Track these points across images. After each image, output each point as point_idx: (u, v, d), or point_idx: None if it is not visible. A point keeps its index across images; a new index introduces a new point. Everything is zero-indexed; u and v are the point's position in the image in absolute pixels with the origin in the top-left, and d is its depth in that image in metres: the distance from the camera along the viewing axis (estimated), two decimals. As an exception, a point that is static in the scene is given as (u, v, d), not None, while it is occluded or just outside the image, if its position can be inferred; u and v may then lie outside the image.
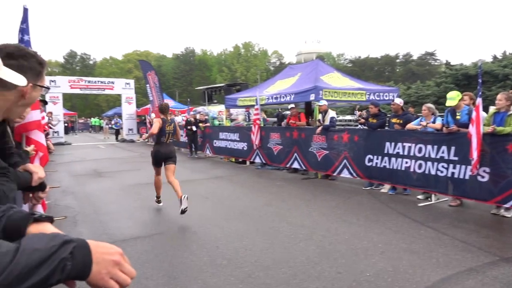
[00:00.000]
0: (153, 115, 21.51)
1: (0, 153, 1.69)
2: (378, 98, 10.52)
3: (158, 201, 6.73)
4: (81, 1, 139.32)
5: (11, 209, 0.91)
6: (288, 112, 11.28)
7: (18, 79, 1.19)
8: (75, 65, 76.22)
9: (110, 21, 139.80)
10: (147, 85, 22.65)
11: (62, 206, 6.66)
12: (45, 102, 8.48)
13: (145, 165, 12.01)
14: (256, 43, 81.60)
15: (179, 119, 18.51)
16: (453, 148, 6.29)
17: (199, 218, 5.78)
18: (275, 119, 15.71)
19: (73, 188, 8.37)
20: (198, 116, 14.78)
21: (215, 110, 19.93)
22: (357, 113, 22.57)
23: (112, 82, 25.15)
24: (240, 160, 12.35)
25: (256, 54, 78.96)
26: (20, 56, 1.50)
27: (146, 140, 6.61)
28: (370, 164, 7.84)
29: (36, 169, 1.71)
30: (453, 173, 6.27)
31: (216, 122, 16.93)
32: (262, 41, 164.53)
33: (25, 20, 5.24)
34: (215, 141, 13.56)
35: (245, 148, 11.85)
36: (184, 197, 5.73)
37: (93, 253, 0.77)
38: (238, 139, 12.21)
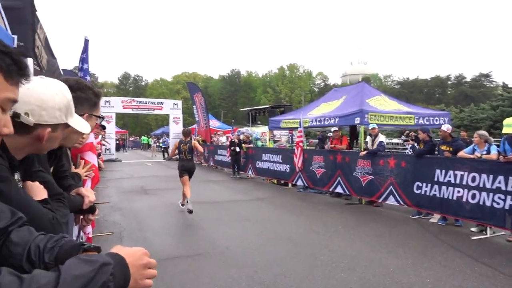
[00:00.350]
0: (198, 136, 22.22)
1: (55, 176, 1.81)
2: (427, 123, 10.10)
3: (183, 204, 8.08)
4: (136, 26, 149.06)
5: (62, 238, 0.97)
6: (331, 134, 11.13)
7: (84, 127, 1.33)
8: (129, 86, 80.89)
9: (161, 45, 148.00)
10: (194, 106, 23.70)
11: (110, 221, 6.96)
12: (103, 127, 9.11)
13: (191, 183, 12.16)
14: (301, 65, 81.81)
15: (223, 139, 18.94)
16: (511, 179, 5.84)
17: (239, 240, 5.79)
18: (317, 140, 15.53)
19: (121, 204, 8.74)
20: (241, 137, 15.00)
21: (259, 131, 20.16)
22: (405, 137, 21.60)
23: (161, 103, 26.42)
24: (282, 182, 12.30)
25: (300, 75, 79.15)
26: (79, 89, 1.63)
27: (172, 156, 8.41)
28: (418, 191, 7.47)
29: (88, 193, 1.81)
30: (511, 206, 5.80)
31: (259, 143, 17.07)
32: (307, 62, 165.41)
33: (85, 50, 5.76)
34: (257, 162, 13.64)
35: (287, 170, 11.79)
36: (189, 200, 7.48)
37: (130, 266, 0.83)
38: (280, 161, 12.20)
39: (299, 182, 11.23)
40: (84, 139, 1.94)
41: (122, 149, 39.43)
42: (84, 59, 5.80)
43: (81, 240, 2.20)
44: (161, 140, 29.26)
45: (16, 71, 0.82)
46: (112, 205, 8.64)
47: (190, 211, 7.32)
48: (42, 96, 1.16)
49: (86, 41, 5.92)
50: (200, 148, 8.32)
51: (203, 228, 6.64)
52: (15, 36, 2.28)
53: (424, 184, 7.34)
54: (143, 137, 47.99)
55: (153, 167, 19.50)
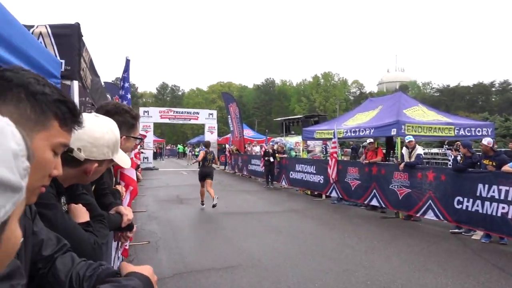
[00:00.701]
0: (232, 145, 22.50)
1: (97, 193, 1.90)
2: (468, 134, 9.69)
3: (202, 203, 9.82)
4: (174, 37, 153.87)
5: (100, 267, 1.03)
6: (366, 144, 10.91)
7: (126, 162, 1.44)
8: (166, 95, 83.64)
9: (197, 55, 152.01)
10: (229, 116, 24.04)
11: (146, 230, 7.17)
12: (140, 139, 9.52)
13: (225, 193, 12.47)
14: (335, 73, 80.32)
15: (257, 149, 19.02)
16: (562, 195, 5.46)
17: (271, 253, 5.77)
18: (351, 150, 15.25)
19: (157, 213, 8.98)
20: (275, 147, 15.00)
21: (292, 141, 20.08)
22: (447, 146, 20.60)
23: (197, 113, 27.13)
24: (316, 193, 12.18)
25: (335, 84, 78.16)
26: (116, 113, 1.75)
27: (194, 162, 11.61)
28: (459, 206, 7.14)
29: (126, 211, 1.90)
30: None
31: (293, 153, 17.03)
32: (342, 70, 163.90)
33: (126, 69, 5.99)
34: (291, 172, 13.60)
35: (321, 181, 11.67)
36: (216, 197, 9.17)
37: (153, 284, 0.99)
38: (314, 171, 12.10)
39: (333, 194, 11.07)
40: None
41: (159, 157, 40.41)
42: (125, 78, 6.04)
43: (118, 256, 2.29)
44: (197, 150, 29.82)
45: (70, 119, 0.89)
46: (149, 214, 8.91)
47: (214, 205, 9.11)
48: (95, 134, 1.25)
49: (128, 61, 6.15)
50: (216, 160, 10.86)
51: (236, 239, 6.68)
52: (63, 61, 2.46)
53: (466, 199, 7.01)
54: (179, 146, 49.18)
55: (188, 176, 19.89)
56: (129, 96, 6.11)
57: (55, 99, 0.85)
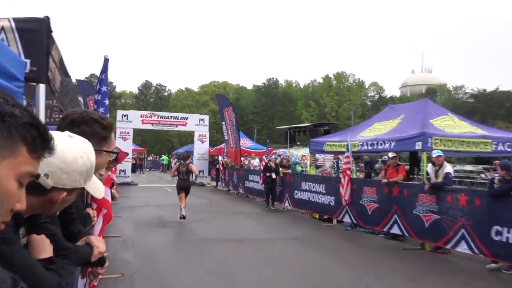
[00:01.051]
0: (226, 157, 22.42)
1: (63, 219, 1.86)
2: (509, 150, 9.71)
3: (182, 214, 11.09)
4: (160, 30, 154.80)
5: None
6: (385, 158, 10.93)
7: (99, 191, 1.45)
8: (149, 96, 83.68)
9: (188, 49, 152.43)
10: (223, 123, 24.15)
11: (121, 260, 7.12)
12: (116, 154, 9.52)
13: (217, 215, 12.50)
14: (350, 73, 79.89)
15: (256, 162, 19.00)
16: None
17: (271, 291, 5.74)
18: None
19: (134, 239, 8.94)
20: (278, 160, 15.00)
21: (298, 154, 20.11)
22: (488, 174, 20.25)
23: (186, 118, 27.21)
24: (325, 217, 12.15)
25: (350, 86, 78.19)
26: (83, 123, 1.74)
27: (173, 177, 12.76)
28: (498, 238, 7.10)
29: (98, 243, 1.88)
30: None
31: (299, 169, 17.05)
32: (358, 70, 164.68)
33: (105, 70, 6.05)
34: (296, 191, 13.58)
35: (332, 203, 11.65)
36: (183, 207, 11.06)
37: None
38: (324, 191, 12.08)
39: (346, 219, 11.04)
40: (102, 176, 2.00)
41: (139, 170, 39.70)
42: (102, 81, 6.09)
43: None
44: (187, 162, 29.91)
45: (40, 144, 0.90)
46: (124, 239, 8.87)
47: (183, 217, 10.90)
48: (67, 158, 1.25)
49: (106, 60, 6.15)
50: (196, 172, 13.48)
51: (230, 272, 6.65)
52: (28, 61, 2.48)
53: (506, 229, 6.97)
54: (163, 157, 48.06)
55: (173, 193, 19.71)
56: (106, 102, 6.15)
57: (24, 122, 0.85)
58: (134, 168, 34.48)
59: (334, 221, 11.70)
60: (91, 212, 2.60)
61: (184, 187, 11.38)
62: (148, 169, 46.67)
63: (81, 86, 21.16)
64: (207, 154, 26.81)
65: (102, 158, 1.82)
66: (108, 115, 5.65)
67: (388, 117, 11.71)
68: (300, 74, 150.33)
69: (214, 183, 24.51)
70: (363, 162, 16.47)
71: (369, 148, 10.76)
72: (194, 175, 12.52)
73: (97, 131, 1.79)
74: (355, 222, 10.73)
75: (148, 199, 16.62)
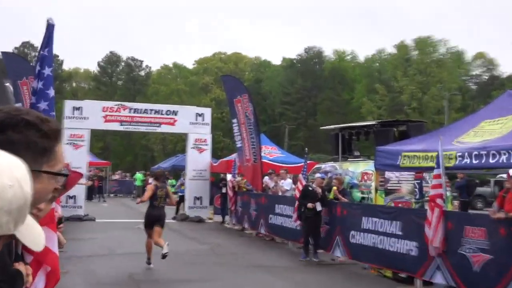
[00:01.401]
0: (239, 176, 18.00)
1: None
2: None
3: (148, 263, 9.46)
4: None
5: None
6: (503, 177, 8.36)
7: (36, 242, 1.14)
8: (116, 77, 60.54)
9: (177, 4, 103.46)
10: (234, 120, 18.21)
11: None
12: (66, 176, 7.22)
13: (223, 271, 10.08)
14: (442, 39, 51.62)
15: (287, 185, 14.85)
16: None
17: None
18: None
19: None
20: (325, 182, 11.94)
21: (356, 171, 15.18)
22: None
23: (174, 113, 19.06)
24: (402, 275, 9.38)
25: (441, 59, 51.72)
26: (10, 127, 1.26)
27: (139, 203, 11.59)
28: None
29: None
30: None
31: (357, 195, 13.32)
32: (454, 35, 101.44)
33: (48, 42, 5.34)
34: (352, 232, 10.36)
35: (412, 252, 8.84)
36: (167, 244, 9.07)
37: None
38: (399, 232, 9.19)
39: (438, 279, 8.30)
40: (41, 212, 1.42)
41: (97, 196, 29.58)
42: (45, 58, 5.40)
43: None
44: (177, 184, 22.10)
45: None
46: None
47: (164, 256, 8.90)
48: None
49: (50, 27, 5.40)
50: (173, 200, 11.63)
51: None
52: None
53: None
54: (137, 174, 33.77)
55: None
56: (51, 92, 5.21)
57: None
58: (91, 194, 26.07)
59: (418, 282, 8.96)
60: (23, 268, 1.79)
61: (157, 218, 9.50)
62: (112, 195, 35.12)
63: (8, 63, 16.73)
64: (208, 171, 19.52)
65: (41, 183, 1.28)
66: (54, 113, 5.09)
67: (505, 111, 8.94)
68: (359, 41, 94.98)
69: (219, 218, 18.64)
70: (454, 185, 13.30)
71: (474, 162, 8.30)
72: (169, 202, 10.51)
73: (34, 140, 1.27)
74: (453, 284, 8.20)
75: (112, 244, 12.84)
